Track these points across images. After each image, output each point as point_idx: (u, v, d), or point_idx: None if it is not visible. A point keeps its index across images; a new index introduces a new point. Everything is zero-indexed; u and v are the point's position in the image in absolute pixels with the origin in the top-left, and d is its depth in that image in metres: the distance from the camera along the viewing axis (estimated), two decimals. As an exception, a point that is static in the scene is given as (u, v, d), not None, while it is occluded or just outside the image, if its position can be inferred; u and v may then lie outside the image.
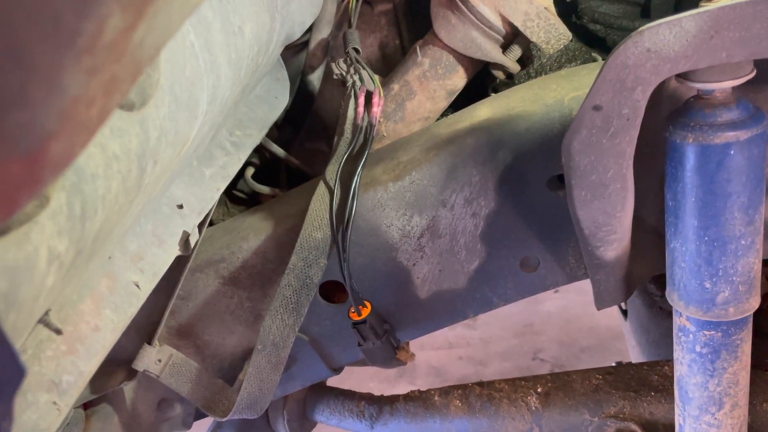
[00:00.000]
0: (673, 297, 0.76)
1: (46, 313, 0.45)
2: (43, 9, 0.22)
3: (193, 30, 0.55)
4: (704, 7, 0.60)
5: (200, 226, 0.76)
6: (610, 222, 0.75)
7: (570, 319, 2.80)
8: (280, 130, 1.27)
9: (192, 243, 0.70)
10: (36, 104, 0.23)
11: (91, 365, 0.52)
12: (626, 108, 0.64)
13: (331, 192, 0.90)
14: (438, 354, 2.77)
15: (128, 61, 0.26)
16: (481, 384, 1.11)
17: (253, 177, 1.17)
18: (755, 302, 0.73)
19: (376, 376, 2.64)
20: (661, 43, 0.60)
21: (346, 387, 1.30)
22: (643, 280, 0.95)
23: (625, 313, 1.43)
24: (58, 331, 0.48)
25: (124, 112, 0.44)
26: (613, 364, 1.29)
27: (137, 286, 0.59)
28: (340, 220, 0.89)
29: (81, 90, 0.24)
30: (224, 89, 0.64)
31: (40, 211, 0.35)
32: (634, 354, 1.39)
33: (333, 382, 1.32)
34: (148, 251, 0.63)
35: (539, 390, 1.05)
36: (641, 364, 1.04)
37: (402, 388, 2.67)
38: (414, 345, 1.30)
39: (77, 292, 0.54)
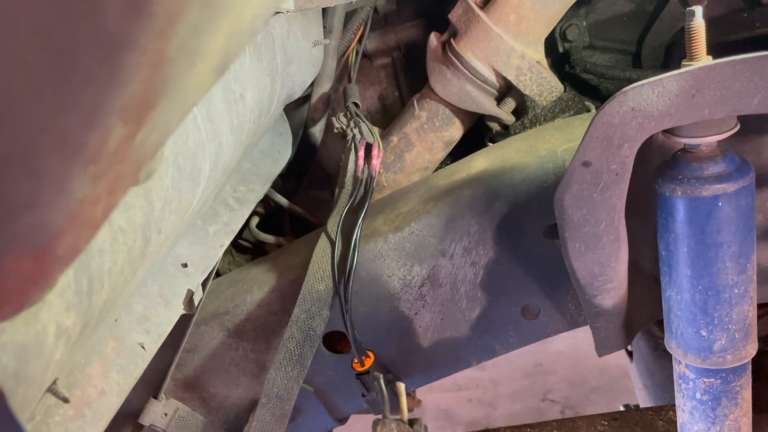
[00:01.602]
0: (671, 345, 0.77)
1: (54, 382, 0.47)
2: (53, 125, 0.24)
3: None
4: (686, 68, 0.62)
5: (204, 283, 0.78)
6: (605, 272, 0.76)
7: (579, 359, 2.78)
8: (284, 180, 1.29)
9: (196, 301, 0.71)
10: (45, 207, 0.25)
11: (97, 429, 0.54)
12: (614, 164, 0.66)
13: (333, 244, 0.92)
14: (446, 396, 2.74)
15: (131, 161, 0.28)
16: (487, 431, 1.10)
17: (258, 226, 1.19)
18: (752, 349, 0.74)
19: (384, 420, 2.60)
20: (645, 102, 0.62)
21: (352, 433, 1.30)
22: (643, 326, 0.95)
23: (630, 354, 1.42)
24: (65, 399, 0.49)
25: (130, 187, 0.46)
26: (621, 407, 1.28)
27: (143, 347, 0.61)
28: (342, 272, 0.91)
29: (86, 193, 0.26)
30: (226, 154, 0.66)
31: (48, 290, 0.37)
32: (641, 396, 1.38)
33: (339, 429, 1.32)
34: (154, 311, 0.65)
35: (545, 437, 1.05)
36: (647, 409, 1.04)
37: (411, 432, 2.64)
38: (422, 387, 1.30)
39: (85, 357, 0.55)
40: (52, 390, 0.44)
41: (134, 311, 0.63)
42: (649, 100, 0.62)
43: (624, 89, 0.62)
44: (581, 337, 2.87)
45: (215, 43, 0.27)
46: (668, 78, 0.61)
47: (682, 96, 0.62)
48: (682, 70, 0.62)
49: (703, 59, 0.65)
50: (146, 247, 0.49)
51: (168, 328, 0.66)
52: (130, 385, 0.59)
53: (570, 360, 2.78)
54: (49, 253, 0.27)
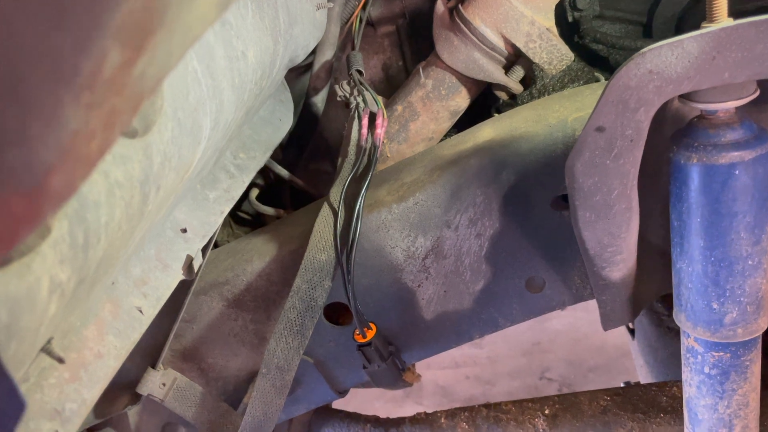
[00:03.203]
0: (680, 318, 0.75)
1: (49, 342, 0.45)
2: (42, 47, 0.22)
3: (196, 56, 0.55)
4: (706, 28, 0.60)
5: (204, 249, 0.76)
6: (615, 242, 0.75)
7: (578, 338, 2.78)
8: (284, 152, 1.27)
9: (195, 267, 0.70)
10: (36, 140, 0.23)
11: (94, 393, 0.52)
12: (629, 129, 0.64)
13: (335, 214, 0.90)
14: (445, 373, 2.75)
15: (129, 94, 0.26)
16: (487, 406, 1.10)
17: (258, 198, 1.17)
18: (764, 323, 0.73)
19: (381, 397, 2.62)
20: (663, 65, 0.60)
21: (351, 407, 1.29)
22: (650, 301, 0.94)
23: (632, 332, 1.41)
24: (61, 360, 0.47)
25: (128, 139, 0.44)
26: (622, 384, 1.27)
27: (140, 311, 0.59)
28: (345, 242, 0.89)
29: (81, 125, 0.24)
30: (227, 113, 0.64)
31: (41, 241, 0.35)
32: (642, 374, 1.38)
33: (338, 402, 1.31)
34: (152, 276, 0.63)
35: (547, 412, 1.04)
36: (650, 385, 1.03)
37: (408, 409, 2.65)
38: (420, 364, 1.29)
39: (81, 319, 0.53)
40: (46, 350, 0.43)
41: (132, 274, 0.61)
42: (668, 62, 0.60)
43: (642, 50, 0.60)
44: (580, 317, 2.88)
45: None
46: (688, 39, 0.59)
47: (702, 58, 0.59)
48: (703, 30, 0.59)
49: (724, 21, 0.63)
50: (144, 204, 0.47)
51: (166, 293, 0.64)
52: (128, 349, 0.57)
53: (568, 339, 2.78)
54: (41, 191, 0.25)
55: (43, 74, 0.22)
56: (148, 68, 0.26)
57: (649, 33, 1.11)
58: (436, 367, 2.75)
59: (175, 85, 0.51)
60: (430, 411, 1.15)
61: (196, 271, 0.69)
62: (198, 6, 0.28)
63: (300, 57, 0.91)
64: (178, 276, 0.67)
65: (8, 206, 0.23)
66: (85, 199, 0.39)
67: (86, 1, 0.21)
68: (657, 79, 0.61)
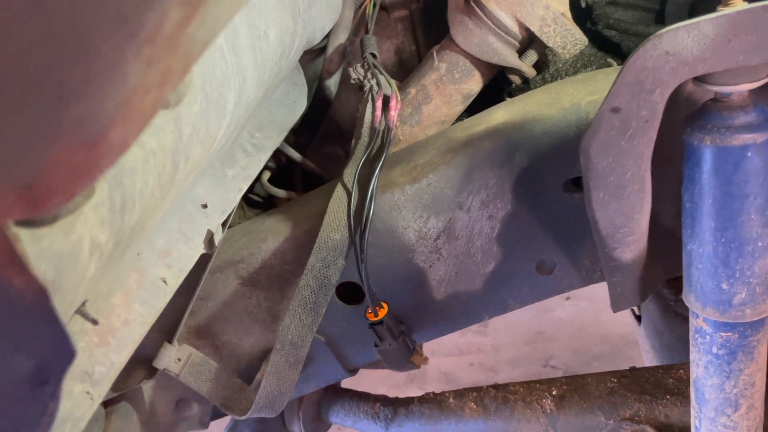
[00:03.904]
0: (689, 298, 0.77)
1: (83, 304, 0.47)
2: (109, 1, 0.23)
3: (222, 33, 0.57)
4: (722, 11, 0.61)
5: (223, 225, 0.78)
6: (627, 223, 0.76)
7: (582, 327, 2.80)
8: (296, 135, 1.28)
9: (216, 241, 0.71)
10: (99, 93, 0.25)
11: (122, 357, 0.54)
12: (645, 110, 0.65)
13: (349, 194, 0.92)
14: (448, 360, 2.77)
15: (181, 53, 0.27)
16: (496, 386, 1.11)
17: (270, 181, 1.18)
18: (772, 304, 0.74)
19: (386, 381, 2.64)
20: (679, 46, 0.61)
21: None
22: (659, 283, 0.95)
23: (639, 318, 1.43)
24: (95, 322, 0.49)
25: (162, 110, 0.45)
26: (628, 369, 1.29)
27: (164, 281, 0.61)
28: (358, 222, 0.90)
29: (139, 80, 0.26)
30: (249, 91, 0.65)
31: (85, 201, 0.36)
32: (648, 358, 1.39)
33: (345, 385, 1.33)
34: (175, 248, 0.65)
35: (554, 393, 1.06)
36: (657, 367, 1.04)
37: (412, 394, 2.67)
38: (424, 350, 1.30)
39: (108, 286, 0.55)
40: (81, 312, 0.44)
41: (156, 246, 0.62)
42: (684, 44, 0.61)
43: (659, 32, 0.61)
44: (583, 306, 2.89)
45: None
46: (705, 21, 0.60)
47: (718, 40, 0.60)
48: (719, 13, 0.60)
49: (739, 4, 0.64)
50: (175, 174, 0.48)
51: (189, 265, 0.66)
52: (153, 317, 0.59)
53: (572, 328, 2.80)
54: (100, 144, 0.26)
55: (108, 27, 0.23)
56: (200, 30, 0.27)
57: (662, 20, 1.12)
58: (440, 354, 2.77)
59: (204, 60, 0.53)
60: (436, 394, 1.17)
61: (216, 245, 0.71)
62: (244, -26, 0.29)
63: (317, 38, 0.93)
64: (200, 249, 0.69)
65: (73, 156, 0.25)
66: (123, 166, 0.41)
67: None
68: (673, 60, 0.62)
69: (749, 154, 0.66)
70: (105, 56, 0.24)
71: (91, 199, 0.37)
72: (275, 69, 0.75)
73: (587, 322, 2.80)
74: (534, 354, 2.75)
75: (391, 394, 2.70)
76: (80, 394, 0.48)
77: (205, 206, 0.72)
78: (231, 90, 0.59)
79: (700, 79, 0.67)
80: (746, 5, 0.63)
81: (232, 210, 0.79)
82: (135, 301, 0.57)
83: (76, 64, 0.24)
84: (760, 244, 0.70)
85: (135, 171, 0.42)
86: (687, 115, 0.70)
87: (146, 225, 0.50)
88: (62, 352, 0.31)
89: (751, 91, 0.67)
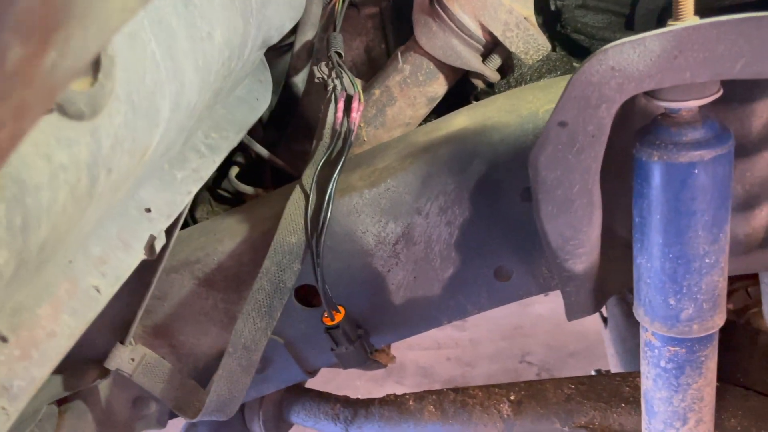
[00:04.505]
0: (639, 312, 0.76)
1: (-8, 321, 0.46)
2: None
3: (155, 38, 0.55)
4: (669, 27, 0.60)
5: (170, 229, 0.76)
6: (576, 236, 0.75)
7: (559, 323, 2.80)
8: (265, 131, 1.27)
9: (158, 247, 0.70)
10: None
11: (44, 371, 0.53)
12: (591, 125, 0.64)
13: (307, 197, 0.91)
14: (426, 354, 2.77)
15: (40, 86, 0.26)
16: (455, 390, 1.11)
17: (239, 177, 1.17)
18: (720, 320, 0.73)
19: (363, 375, 2.64)
20: (625, 62, 0.60)
21: (333, 385, 1.31)
22: (615, 293, 0.95)
23: (605, 320, 1.43)
24: (4, 339, 0.48)
25: (74, 122, 0.44)
26: (592, 372, 1.29)
27: (98, 290, 0.60)
28: (315, 225, 0.89)
29: (-14, 117, 0.24)
30: (190, 95, 0.64)
31: (-27, 224, 0.35)
32: (612, 362, 1.40)
33: (321, 378, 1.32)
34: (112, 255, 0.63)
35: (512, 398, 1.05)
36: (614, 375, 1.04)
37: (389, 388, 2.68)
38: (402, 345, 1.29)
39: (35, 297, 0.54)
40: (-11, 329, 0.43)
41: (91, 254, 0.61)
42: (630, 60, 0.60)
43: (604, 47, 0.60)
44: (562, 302, 2.90)
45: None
46: (650, 37, 0.59)
47: (664, 57, 0.60)
48: (666, 29, 0.59)
49: (689, 20, 0.63)
50: (93, 187, 0.47)
51: (126, 273, 0.65)
52: (82, 328, 0.58)
53: (550, 324, 2.81)
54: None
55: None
56: (61, 61, 0.26)
57: (632, 25, 1.11)
58: (418, 348, 2.78)
59: (131, 68, 0.51)
60: (410, 391, 1.16)
61: (158, 251, 0.69)
62: (116, -2, 0.28)
63: (274, 38, 0.91)
64: (140, 256, 0.68)
65: None
66: (25, 184, 0.39)
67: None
68: (619, 76, 0.61)
69: (696, 171, 0.65)
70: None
71: (-19, 222, 0.36)
72: (224, 70, 0.74)
73: (564, 318, 2.80)
74: (511, 349, 2.76)
75: (368, 387, 2.69)
76: (-6, 410, 0.47)
77: (149, 210, 0.71)
78: (165, 97, 0.57)
79: (649, 94, 0.66)
80: (696, 21, 0.62)
81: (181, 213, 0.78)
82: (64, 311, 0.55)
83: None
84: (707, 260, 0.69)
85: (40, 187, 0.41)
86: (637, 130, 0.69)
87: (65, 239, 0.49)
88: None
89: (702, 107, 0.66)
